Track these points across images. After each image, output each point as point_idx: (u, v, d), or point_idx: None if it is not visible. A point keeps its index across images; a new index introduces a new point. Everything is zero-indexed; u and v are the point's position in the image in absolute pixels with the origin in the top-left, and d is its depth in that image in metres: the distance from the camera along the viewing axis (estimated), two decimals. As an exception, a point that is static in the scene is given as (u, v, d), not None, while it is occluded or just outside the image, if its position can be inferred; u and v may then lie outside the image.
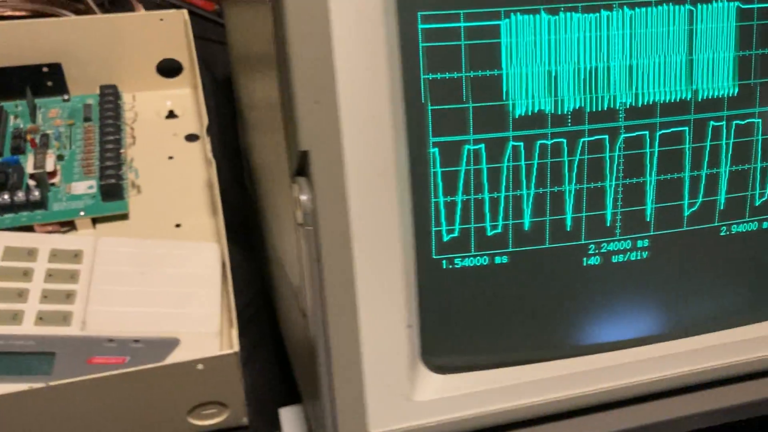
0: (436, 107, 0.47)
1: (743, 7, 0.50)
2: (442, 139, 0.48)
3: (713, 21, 0.50)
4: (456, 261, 0.51)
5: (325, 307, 0.46)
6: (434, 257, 0.50)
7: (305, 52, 0.43)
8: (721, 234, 0.54)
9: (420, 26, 0.46)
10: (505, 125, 0.49)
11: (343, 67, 0.44)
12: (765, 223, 0.55)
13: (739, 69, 0.51)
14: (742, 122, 0.52)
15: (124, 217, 0.76)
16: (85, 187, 0.76)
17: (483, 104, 0.48)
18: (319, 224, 0.45)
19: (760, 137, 0.52)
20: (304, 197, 0.44)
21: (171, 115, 0.88)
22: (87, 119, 0.84)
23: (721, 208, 0.53)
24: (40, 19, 0.86)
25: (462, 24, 0.47)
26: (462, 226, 0.50)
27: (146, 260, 0.69)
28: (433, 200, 0.49)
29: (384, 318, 0.48)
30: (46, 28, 0.83)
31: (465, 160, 0.49)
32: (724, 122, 0.52)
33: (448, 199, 0.49)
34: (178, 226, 0.76)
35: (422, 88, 0.47)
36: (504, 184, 0.49)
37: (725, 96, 0.51)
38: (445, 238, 0.50)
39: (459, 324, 0.52)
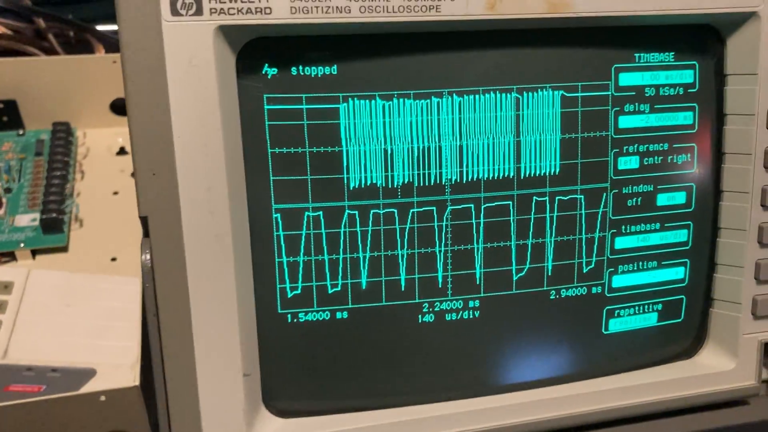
0: (278, 178, 0.52)
1: (567, 95, 0.55)
2: (284, 206, 0.53)
3: (539, 107, 0.54)
4: (300, 315, 0.55)
5: (162, 356, 0.51)
6: (279, 312, 0.55)
7: (144, 129, 0.48)
8: (551, 297, 0.58)
9: (266, 107, 0.51)
10: (341, 195, 0.53)
11: (181, 144, 0.49)
12: (594, 288, 0.59)
13: (561, 150, 0.55)
14: (565, 198, 0.56)
15: (63, 249, 0.79)
16: (29, 219, 0.80)
17: (322, 176, 0.53)
18: (156, 282, 0.50)
19: (583, 211, 0.57)
20: (143, 257, 0.49)
21: (122, 151, 0.92)
22: (38, 154, 0.87)
23: (549, 274, 0.57)
24: (-4, 59, 0.91)
25: (304, 106, 0.52)
26: (304, 284, 0.54)
27: (73, 293, 0.72)
28: (277, 260, 0.54)
29: (220, 367, 0.52)
30: (3, 67, 0.88)
31: (305, 225, 0.53)
32: (547, 197, 0.56)
33: (291, 259, 0.54)
34: (113, 259, 0.78)
35: (268, 160, 0.52)
36: (342, 247, 0.54)
37: (548, 174, 0.55)
38: (289, 295, 0.55)
39: (302, 372, 0.56)
